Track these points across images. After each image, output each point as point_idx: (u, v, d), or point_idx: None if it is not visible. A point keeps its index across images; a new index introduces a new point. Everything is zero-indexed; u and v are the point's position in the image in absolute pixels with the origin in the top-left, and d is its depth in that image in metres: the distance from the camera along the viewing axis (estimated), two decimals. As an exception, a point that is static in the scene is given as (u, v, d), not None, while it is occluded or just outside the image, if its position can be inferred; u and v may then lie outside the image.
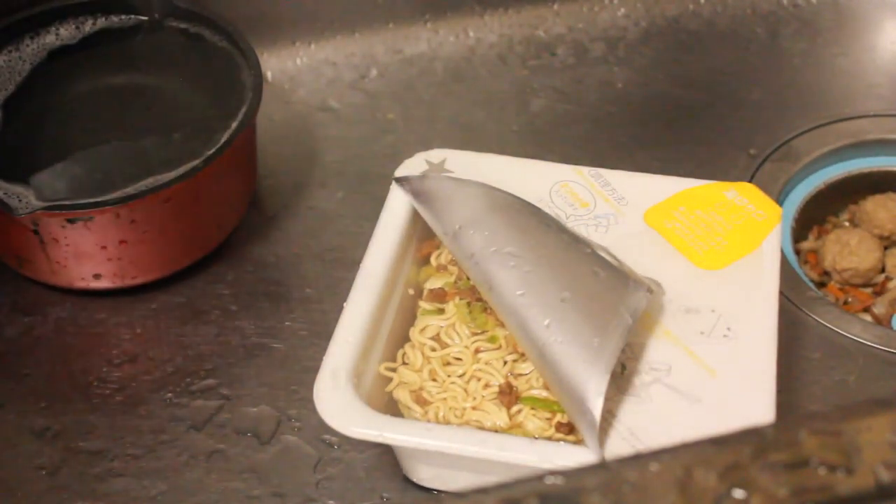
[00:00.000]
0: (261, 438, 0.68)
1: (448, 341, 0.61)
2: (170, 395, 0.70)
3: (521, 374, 0.60)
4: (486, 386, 0.59)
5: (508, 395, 0.59)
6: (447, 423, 0.58)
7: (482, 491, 0.32)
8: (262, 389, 0.70)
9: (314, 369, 0.58)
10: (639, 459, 0.33)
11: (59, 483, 0.66)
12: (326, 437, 0.67)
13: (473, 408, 0.59)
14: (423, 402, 0.60)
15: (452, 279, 0.64)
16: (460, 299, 0.62)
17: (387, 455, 0.65)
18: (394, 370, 0.62)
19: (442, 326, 0.62)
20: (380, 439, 0.56)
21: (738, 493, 0.31)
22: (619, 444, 0.54)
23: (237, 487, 0.66)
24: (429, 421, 0.59)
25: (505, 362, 0.60)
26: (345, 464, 0.66)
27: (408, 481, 0.64)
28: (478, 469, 0.57)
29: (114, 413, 0.69)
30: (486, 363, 0.60)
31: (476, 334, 0.61)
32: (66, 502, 0.65)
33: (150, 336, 0.74)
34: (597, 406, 0.53)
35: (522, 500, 0.31)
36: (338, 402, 0.57)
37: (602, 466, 0.34)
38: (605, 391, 0.54)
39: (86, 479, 0.66)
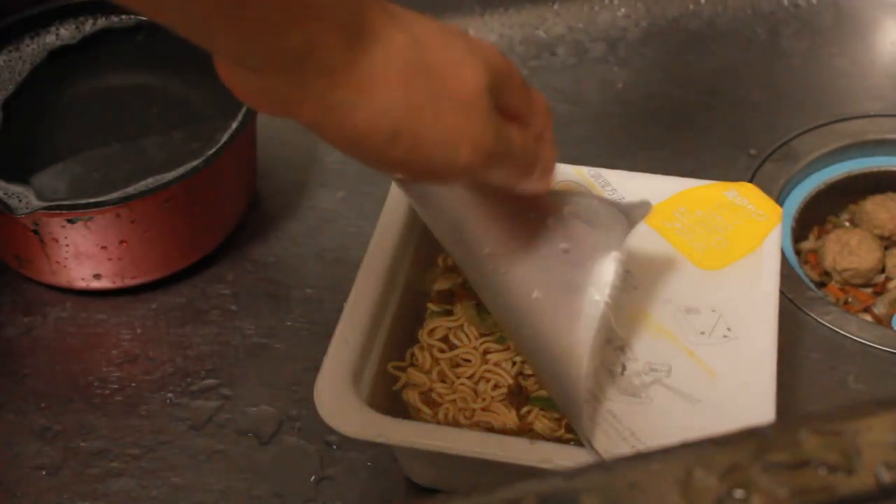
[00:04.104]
0: (261, 438, 0.68)
1: (456, 343, 0.62)
2: (170, 395, 0.70)
3: (529, 375, 0.60)
4: (496, 387, 0.59)
5: (518, 395, 0.59)
6: (457, 424, 0.58)
7: (482, 491, 0.32)
8: (262, 389, 0.70)
9: (314, 369, 0.58)
10: (639, 459, 0.33)
11: (59, 483, 0.66)
12: (327, 437, 0.67)
13: (483, 409, 0.59)
14: (432, 404, 0.60)
15: (460, 280, 0.64)
16: (468, 301, 0.62)
17: (387, 455, 0.65)
18: (402, 370, 0.62)
19: (450, 328, 0.62)
20: (380, 439, 0.56)
21: (739, 494, 0.31)
22: (619, 444, 0.54)
23: (237, 487, 0.66)
24: (438, 422, 0.59)
25: (514, 363, 0.60)
26: (345, 464, 0.66)
27: (408, 481, 0.64)
28: (478, 469, 0.57)
29: (114, 413, 0.69)
30: (495, 364, 0.60)
31: (484, 335, 0.61)
32: (66, 502, 0.65)
33: (150, 336, 0.74)
34: (579, 415, 0.53)
35: (522, 500, 0.32)
36: (338, 402, 0.57)
37: (602, 466, 0.34)
38: (581, 397, 0.53)
39: (86, 479, 0.66)
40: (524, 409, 0.58)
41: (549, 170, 0.54)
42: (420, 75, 0.45)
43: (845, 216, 0.83)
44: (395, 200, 0.66)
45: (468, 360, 0.61)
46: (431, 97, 0.45)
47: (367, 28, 0.44)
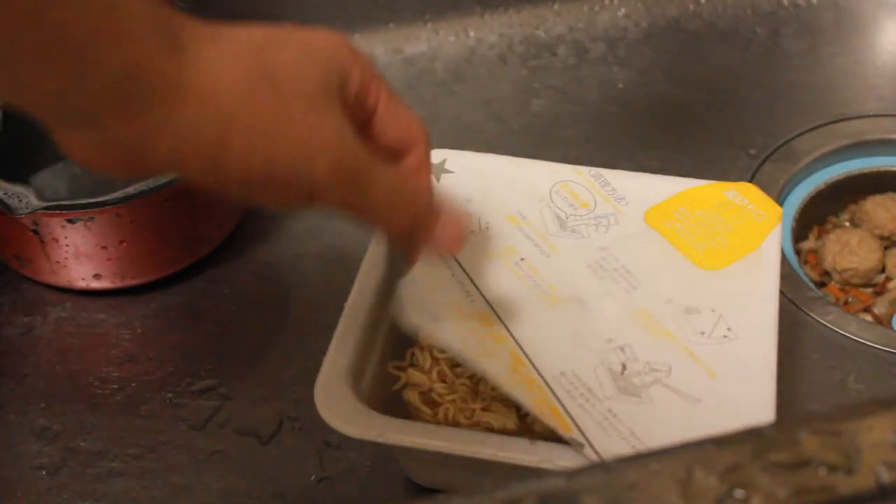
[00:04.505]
0: (261, 438, 0.68)
1: (457, 343, 0.61)
2: (170, 395, 0.70)
3: (528, 375, 0.60)
4: (496, 387, 0.59)
5: (517, 396, 0.59)
6: (457, 424, 0.58)
7: (482, 491, 0.32)
8: (262, 389, 0.70)
9: (314, 369, 0.58)
10: (639, 459, 0.33)
11: (59, 483, 0.66)
12: (327, 437, 0.67)
13: (483, 409, 0.59)
14: (432, 404, 0.60)
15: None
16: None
17: (387, 455, 0.65)
18: (402, 370, 0.62)
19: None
20: (380, 439, 0.56)
21: (739, 494, 0.31)
22: (619, 444, 0.54)
23: (237, 487, 0.66)
24: (438, 422, 0.59)
25: (513, 363, 0.60)
26: (345, 464, 0.66)
27: (408, 482, 0.64)
28: (478, 469, 0.57)
29: (114, 413, 0.69)
30: None
31: (484, 335, 0.61)
32: (66, 502, 0.65)
33: (150, 336, 0.74)
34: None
35: (522, 500, 0.32)
36: (338, 402, 0.57)
37: (602, 466, 0.34)
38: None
39: (86, 479, 0.66)
40: (524, 410, 0.58)
41: (445, 221, 0.51)
42: (262, 79, 0.42)
43: (845, 216, 0.83)
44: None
45: (468, 360, 0.61)
46: (279, 101, 0.42)
47: (187, 37, 0.41)
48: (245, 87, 0.41)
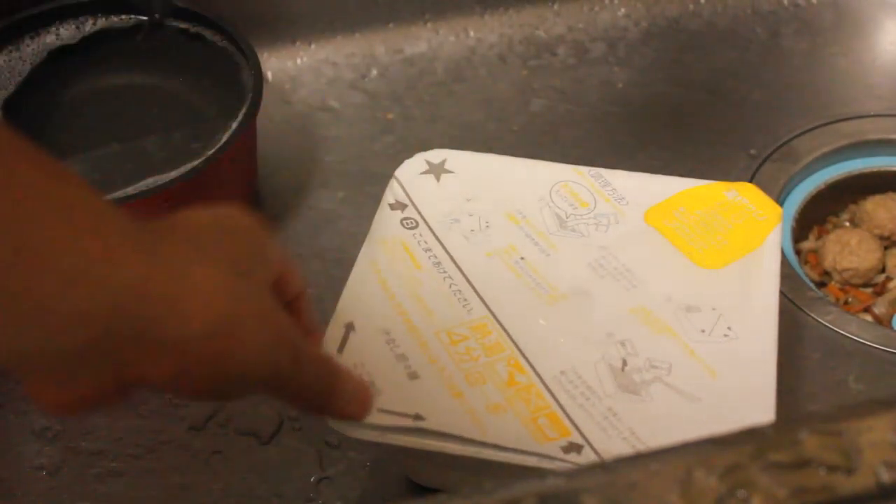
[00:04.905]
0: (261, 438, 0.68)
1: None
2: (170, 395, 0.70)
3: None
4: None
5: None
6: None
7: (482, 491, 0.32)
8: (263, 389, 0.70)
9: (314, 369, 0.58)
10: (639, 459, 0.33)
11: (59, 483, 0.66)
12: (327, 437, 0.67)
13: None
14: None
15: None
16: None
17: (387, 455, 0.65)
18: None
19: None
20: (380, 439, 0.56)
21: (739, 494, 0.31)
22: (619, 444, 0.54)
23: (237, 487, 0.66)
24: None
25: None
26: (345, 464, 0.66)
27: (408, 482, 0.64)
28: (478, 469, 0.57)
29: (114, 413, 0.69)
30: None
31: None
32: (66, 502, 0.65)
33: (150, 336, 0.73)
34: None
35: (522, 500, 0.32)
36: (338, 402, 0.57)
37: (602, 466, 0.34)
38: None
39: (86, 479, 0.66)
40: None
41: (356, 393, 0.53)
42: (238, 279, 0.42)
43: (845, 216, 0.83)
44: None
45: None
46: (256, 297, 0.43)
47: (173, 252, 0.40)
48: (233, 290, 0.41)
